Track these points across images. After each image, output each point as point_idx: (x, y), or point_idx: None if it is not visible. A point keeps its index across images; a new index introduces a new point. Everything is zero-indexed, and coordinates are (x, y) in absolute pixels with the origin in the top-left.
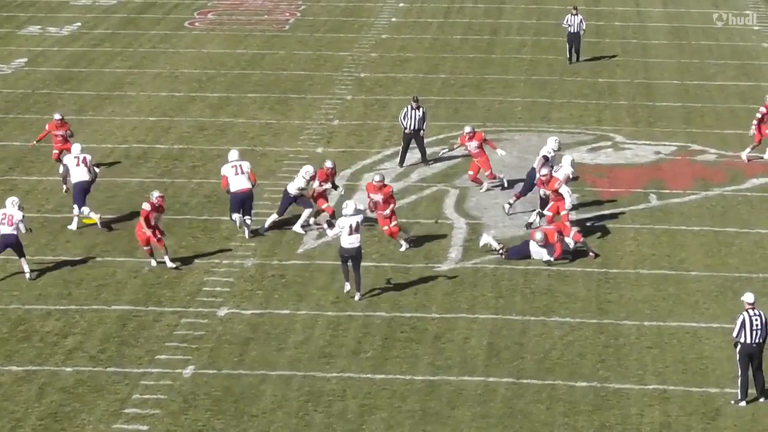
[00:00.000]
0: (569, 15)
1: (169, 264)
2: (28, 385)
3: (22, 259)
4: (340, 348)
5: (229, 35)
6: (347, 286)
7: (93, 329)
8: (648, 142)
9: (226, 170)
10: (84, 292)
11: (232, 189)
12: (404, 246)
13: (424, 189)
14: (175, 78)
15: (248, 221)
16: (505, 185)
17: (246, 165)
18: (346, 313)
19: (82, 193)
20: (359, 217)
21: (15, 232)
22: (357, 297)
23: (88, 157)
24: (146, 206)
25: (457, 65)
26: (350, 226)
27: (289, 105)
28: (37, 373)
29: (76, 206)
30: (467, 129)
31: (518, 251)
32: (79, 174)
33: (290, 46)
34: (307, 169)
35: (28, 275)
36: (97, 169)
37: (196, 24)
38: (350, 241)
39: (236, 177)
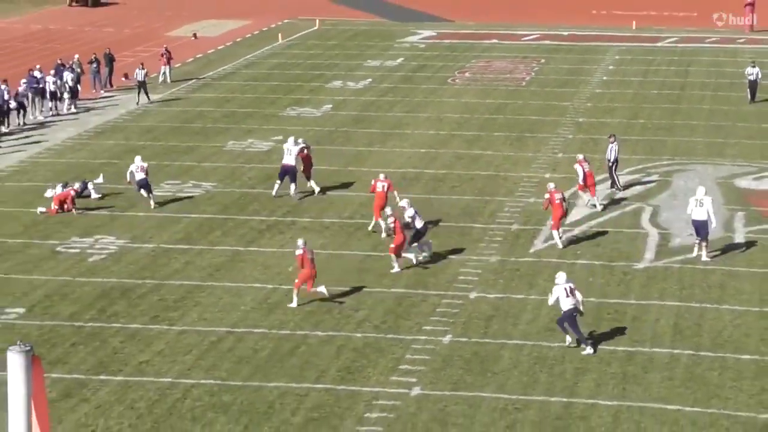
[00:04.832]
0: (749, 67)
1: (323, 290)
2: (329, 346)
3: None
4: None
5: (481, 89)
6: (569, 339)
7: (377, 306)
8: None
9: (285, 149)
10: (371, 279)
11: (283, 162)
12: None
13: (626, 206)
14: (439, 120)
15: (293, 191)
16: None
17: (295, 149)
18: None
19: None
20: (571, 284)
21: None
22: (589, 350)
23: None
24: (299, 252)
25: (653, 113)
26: (565, 290)
27: (525, 141)
28: (336, 338)
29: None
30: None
31: None
32: (287, 159)
33: (526, 98)
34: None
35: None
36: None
37: (457, 80)
38: (569, 303)
39: (287, 156)
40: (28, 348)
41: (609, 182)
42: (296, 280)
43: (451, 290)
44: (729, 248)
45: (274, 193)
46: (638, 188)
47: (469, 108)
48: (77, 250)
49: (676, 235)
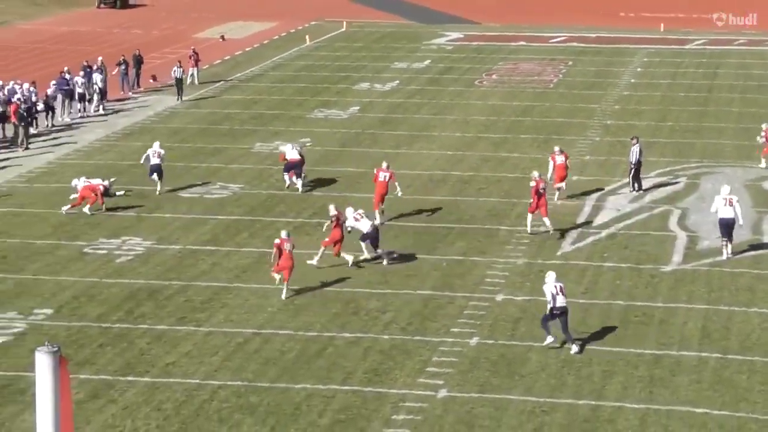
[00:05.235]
0: None
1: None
2: (356, 348)
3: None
4: (588, 327)
5: (508, 91)
6: (549, 339)
7: (403, 308)
8: None
9: (287, 149)
10: (398, 281)
11: (288, 158)
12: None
13: (654, 209)
14: (466, 123)
15: (297, 182)
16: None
17: (298, 148)
18: (592, 301)
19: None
20: (560, 283)
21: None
22: (575, 349)
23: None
24: (277, 241)
25: (681, 115)
26: (556, 287)
27: (552, 144)
28: (363, 339)
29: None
30: None
31: None
32: (292, 155)
33: (554, 100)
34: None
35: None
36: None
37: (483, 82)
38: (560, 301)
39: (291, 151)
40: (56, 349)
41: (635, 185)
42: (272, 269)
43: (477, 292)
44: (758, 251)
45: (300, 187)
46: (666, 191)
47: (496, 110)
48: (105, 252)
49: (704, 238)
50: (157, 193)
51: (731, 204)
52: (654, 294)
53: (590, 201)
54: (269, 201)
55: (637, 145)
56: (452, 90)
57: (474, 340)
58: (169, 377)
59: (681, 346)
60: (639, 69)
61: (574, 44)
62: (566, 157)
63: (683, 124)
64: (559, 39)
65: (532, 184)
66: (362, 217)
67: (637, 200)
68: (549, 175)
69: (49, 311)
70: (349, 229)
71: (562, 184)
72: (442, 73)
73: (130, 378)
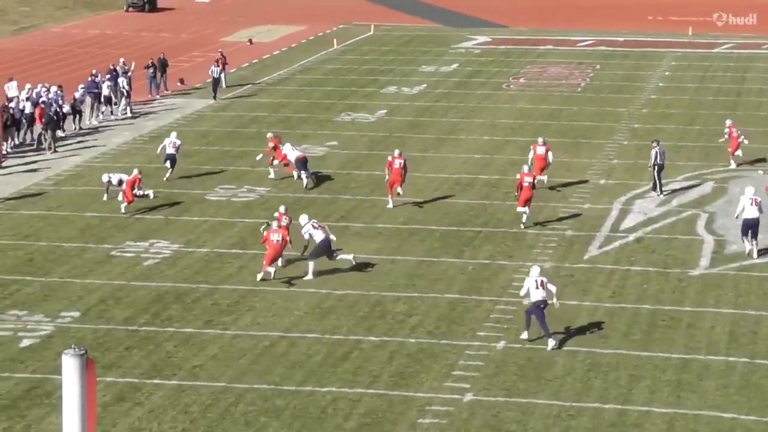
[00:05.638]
0: None
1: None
2: (382, 351)
3: None
4: (615, 331)
5: (535, 94)
6: (526, 334)
7: (430, 311)
8: None
9: (287, 151)
10: (424, 284)
11: (292, 158)
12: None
13: (681, 213)
14: (494, 126)
15: (304, 176)
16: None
17: (296, 148)
18: (620, 305)
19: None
20: (543, 278)
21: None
22: (552, 344)
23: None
24: (274, 224)
25: (709, 119)
26: (536, 282)
27: (580, 147)
28: (389, 343)
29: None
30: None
31: None
32: (294, 155)
33: (581, 103)
34: None
35: None
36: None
37: (511, 86)
38: (539, 295)
39: (292, 151)
40: (83, 351)
41: (660, 187)
42: (264, 261)
43: (504, 296)
44: None
45: (305, 179)
46: (694, 195)
47: (524, 114)
48: (132, 254)
49: (731, 242)
50: (165, 179)
51: (756, 204)
52: (681, 298)
53: (617, 205)
54: (296, 204)
55: (657, 147)
56: (480, 93)
57: (500, 344)
58: (195, 380)
59: (708, 351)
60: (667, 72)
61: (602, 48)
62: (548, 149)
63: (711, 128)
64: (586, 42)
65: (517, 176)
66: (319, 227)
67: (664, 204)
68: (528, 165)
69: (76, 314)
70: (307, 236)
71: (543, 178)
72: (469, 76)
73: (156, 381)
